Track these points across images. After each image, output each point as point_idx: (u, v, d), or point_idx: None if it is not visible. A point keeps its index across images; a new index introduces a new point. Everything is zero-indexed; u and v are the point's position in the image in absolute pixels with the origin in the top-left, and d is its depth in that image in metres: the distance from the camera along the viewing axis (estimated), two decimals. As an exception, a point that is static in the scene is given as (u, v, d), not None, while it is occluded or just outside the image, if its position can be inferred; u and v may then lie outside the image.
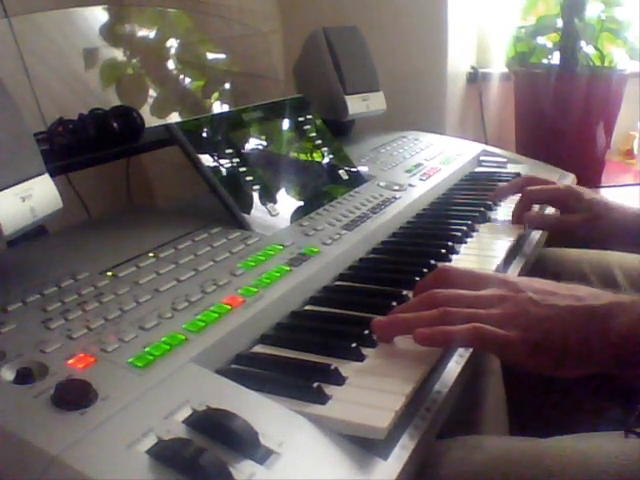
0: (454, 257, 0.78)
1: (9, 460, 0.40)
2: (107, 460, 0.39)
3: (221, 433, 0.41)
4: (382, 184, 0.99)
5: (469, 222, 0.88)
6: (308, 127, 0.98)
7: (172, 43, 1.26)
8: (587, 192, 0.93)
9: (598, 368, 0.54)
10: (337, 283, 0.72)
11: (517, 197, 1.03)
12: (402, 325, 0.56)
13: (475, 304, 0.56)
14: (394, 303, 0.63)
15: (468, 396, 0.63)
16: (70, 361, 0.48)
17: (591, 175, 1.45)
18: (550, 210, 1.01)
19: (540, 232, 0.95)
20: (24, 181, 0.59)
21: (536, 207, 0.99)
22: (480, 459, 0.56)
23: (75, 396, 0.43)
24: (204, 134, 0.82)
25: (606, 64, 1.50)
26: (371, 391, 0.50)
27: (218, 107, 1.30)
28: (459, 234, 0.83)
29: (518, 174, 1.16)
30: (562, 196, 0.93)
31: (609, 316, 0.53)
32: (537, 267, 0.91)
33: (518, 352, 0.53)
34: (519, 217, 0.92)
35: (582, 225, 0.90)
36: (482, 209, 0.94)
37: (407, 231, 0.89)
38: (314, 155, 0.96)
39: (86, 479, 0.38)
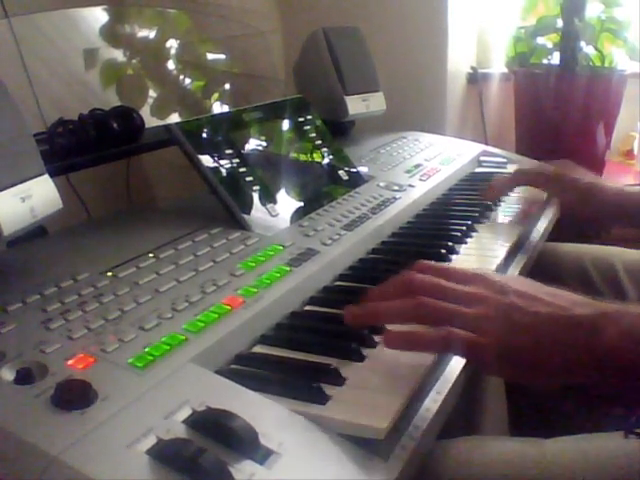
0: (454, 257, 0.78)
1: (9, 460, 0.40)
2: (107, 460, 0.39)
3: (221, 433, 0.41)
4: (382, 184, 0.99)
5: (469, 222, 0.88)
6: (308, 127, 0.98)
7: (172, 43, 1.26)
8: (573, 173, 0.95)
9: (580, 380, 0.52)
10: (337, 283, 0.72)
11: (518, 196, 1.04)
12: (373, 315, 0.55)
13: (452, 298, 0.53)
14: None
15: (468, 396, 0.63)
16: (70, 361, 0.48)
17: (591, 175, 1.45)
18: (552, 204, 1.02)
19: (542, 227, 0.95)
20: (24, 181, 0.59)
21: (539, 202, 1.01)
22: (480, 460, 0.56)
23: (75, 396, 0.43)
24: (204, 134, 0.82)
25: (606, 64, 1.50)
26: (371, 391, 0.50)
27: (218, 107, 1.30)
28: (459, 234, 0.83)
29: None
30: (546, 181, 0.97)
31: (594, 328, 0.50)
32: (538, 263, 0.91)
33: (493, 360, 0.51)
34: (497, 191, 0.96)
35: (575, 205, 0.92)
36: (482, 209, 0.94)
37: (407, 231, 0.89)
38: (314, 155, 0.96)
39: (86, 479, 0.37)
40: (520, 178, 1.00)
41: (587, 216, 0.94)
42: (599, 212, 0.92)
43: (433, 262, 0.60)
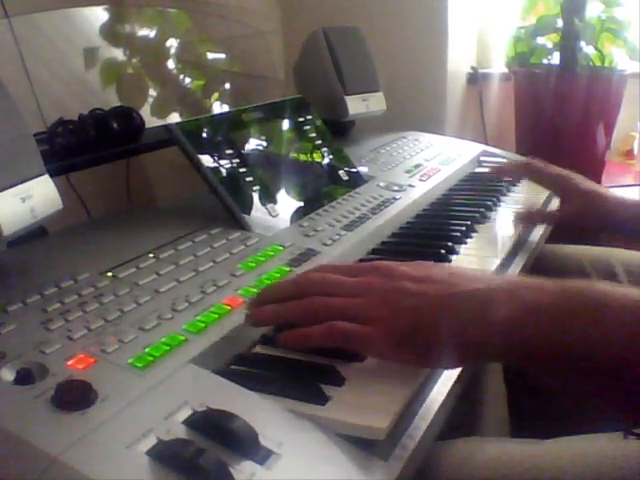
0: (454, 257, 0.78)
1: (9, 460, 0.40)
2: (107, 461, 0.39)
3: (221, 434, 0.41)
4: (382, 185, 0.99)
5: (469, 222, 0.88)
6: (308, 127, 0.98)
7: (172, 43, 1.26)
8: (578, 180, 0.94)
9: (489, 357, 0.51)
10: (337, 283, 0.72)
11: (518, 196, 1.04)
12: (271, 319, 0.56)
13: (341, 291, 0.53)
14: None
15: (469, 397, 0.63)
16: (70, 362, 0.48)
17: (591, 175, 1.44)
18: (552, 206, 1.02)
19: (542, 229, 0.95)
20: (24, 182, 0.59)
21: (539, 203, 1.00)
22: (480, 461, 0.56)
23: (75, 397, 0.43)
24: (204, 134, 0.82)
25: (606, 64, 1.50)
26: (371, 392, 0.49)
27: (218, 107, 1.30)
28: (459, 234, 0.83)
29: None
30: (552, 182, 0.96)
31: (487, 301, 0.49)
32: (538, 264, 0.91)
33: (381, 347, 0.50)
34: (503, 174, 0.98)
35: (576, 215, 0.92)
36: (482, 209, 0.94)
37: (407, 231, 0.89)
38: (314, 155, 0.96)
39: (86, 479, 0.38)
40: (529, 171, 1.00)
41: (587, 224, 0.94)
42: (600, 221, 0.92)
43: (334, 262, 0.61)
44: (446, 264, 0.66)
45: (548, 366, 0.49)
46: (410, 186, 1.01)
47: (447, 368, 0.53)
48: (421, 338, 0.50)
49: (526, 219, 0.93)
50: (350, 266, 0.60)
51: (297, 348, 0.54)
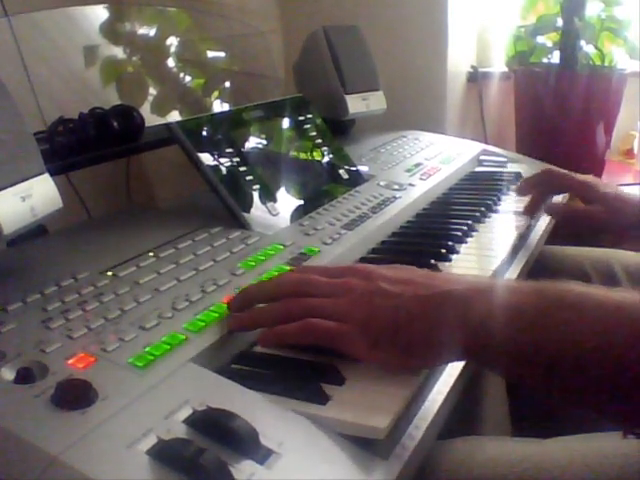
0: (454, 257, 0.78)
1: (9, 460, 0.40)
2: (107, 460, 0.39)
3: (221, 433, 0.41)
4: (382, 183, 0.99)
5: (469, 222, 0.88)
6: (308, 126, 0.98)
7: (172, 42, 1.26)
8: (602, 185, 0.94)
9: (461, 357, 0.52)
10: (337, 283, 0.72)
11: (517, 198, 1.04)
12: (250, 325, 0.56)
13: (320, 291, 0.54)
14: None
15: (469, 396, 0.63)
16: (70, 361, 0.48)
17: (591, 175, 1.45)
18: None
19: (541, 230, 0.95)
20: (24, 181, 0.59)
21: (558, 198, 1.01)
22: (480, 460, 0.56)
23: (75, 396, 0.43)
24: (204, 133, 0.82)
25: (606, 63, 1.50)
26: (371, 391, 0.49)
27: (218, 106, 1.30)
28: (459, 234, 0.83)
29: (518, 173, 1.16)
30: (578, 186, 0.95)
31: (464, 302, 0.50)
32: (538, 265, 0.91)
33: (358, 346, 0.50)
34: (532, 207, 0.95)
35: (598, 217, 0.92)
36: (482, 209, 0.94)
37: (407, 231, 0.89)
38: (314, 154, 0.96)
39: (86, 479, 0.37)
40: (551, 184, 0.98)
41: (613, 227, 0.94)
42: (625, 224, 0.92)
43: (314, 265, 0.63)
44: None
45: (526, 369, 0.48)
46: (410, 185, 1.01)
47: (427, 367, 0.53)
48: (399, 338, 0.50)
49: (545, 209, 0.94)
50: (328, 268, 0.60)
51: (275, 346, 0.55)
